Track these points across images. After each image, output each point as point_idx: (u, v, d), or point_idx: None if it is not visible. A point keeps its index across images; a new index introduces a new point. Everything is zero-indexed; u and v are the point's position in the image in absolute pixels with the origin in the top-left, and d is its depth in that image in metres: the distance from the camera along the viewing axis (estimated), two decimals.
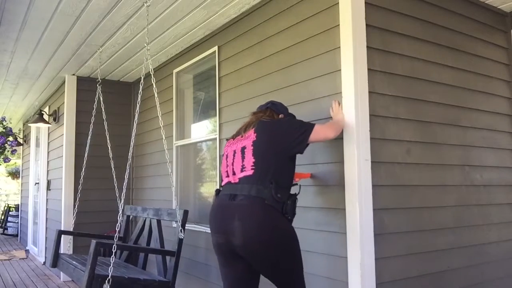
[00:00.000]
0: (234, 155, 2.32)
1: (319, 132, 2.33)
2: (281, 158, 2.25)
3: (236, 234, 2.11)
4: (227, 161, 2.36)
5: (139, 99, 3.36)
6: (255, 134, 2.27)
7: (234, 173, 2.28)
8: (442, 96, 3.00)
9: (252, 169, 2.20)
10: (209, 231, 3.82)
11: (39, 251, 6.81)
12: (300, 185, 2.45)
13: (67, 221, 5.06)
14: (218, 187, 2.47)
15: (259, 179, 2.16)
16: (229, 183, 2.30)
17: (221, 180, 2.43)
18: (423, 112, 2.88)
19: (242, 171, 2.23)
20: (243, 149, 2.28)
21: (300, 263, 2.22)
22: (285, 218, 2.19)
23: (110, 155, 4.60)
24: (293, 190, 2.33)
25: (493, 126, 3.32)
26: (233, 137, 2.44)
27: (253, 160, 2.20)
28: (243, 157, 2.26)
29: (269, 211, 2.12)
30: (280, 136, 2.26)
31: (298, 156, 2.36)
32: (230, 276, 2.29)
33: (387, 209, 2.60)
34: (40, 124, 5.92)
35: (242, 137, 2.35)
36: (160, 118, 3.39)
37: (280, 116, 2.50)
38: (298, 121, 2.42)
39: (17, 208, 10.07)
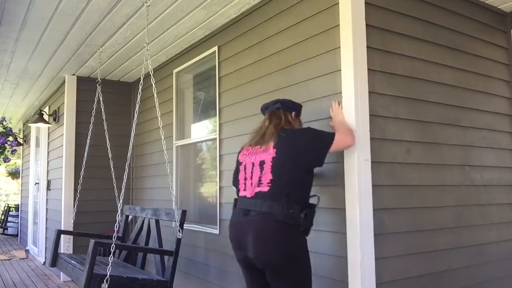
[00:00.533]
0: (252, 168, 2.33)
1: (341, 142, 2.36)
2: (299, 173, 2.27)
3: (249, 249, 2.21)
4: (245, 173, 2.37)
5: (138, 99, 3.35)
6: (275, 150, 2.26)
7: (251, 186, 2.30)
8: (442, 96, 3.00)
9: (268, 185, 2.22)
10: (209, 231, 3.85)
11: (39, 251, 6.81)
12: (319, 197, 2.41)
13: (67, 221, 5.06)
14: (236, 197, 2.46)
15: (273, 196, 2.20)
16: (245, 197, 2.33)
17: (238, 189, 2.44)
18: (423, 112, 2.88)
19: (258, 185, 2.26)
20: (261, 163, 2.28)
21: (309, 276, 2.26)
22: (297, 231, 2.21)
23: (110, 155, 4.60)
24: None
25: (493, 126, 3.32)
26: (251, 144, 2.42)
27: (271, 177, 2.23)
28: (261, 172, 2.27)
29: (280, 226, 2.17)
30: (300, 152, 2.26)
31: None
32: (252, 284, 2.39)
33: (387, 209, 2.59)
34: (40, 124, 5.92)
35: (260, 148, 2.33)
36: (159, 118, 3.38)
37: (293, 114, 2.47)
38: (316, 134, 2.37)
39: (17, 208, 10.07)
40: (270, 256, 2.17)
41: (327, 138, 2.32)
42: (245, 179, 2.36)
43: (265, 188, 2.23)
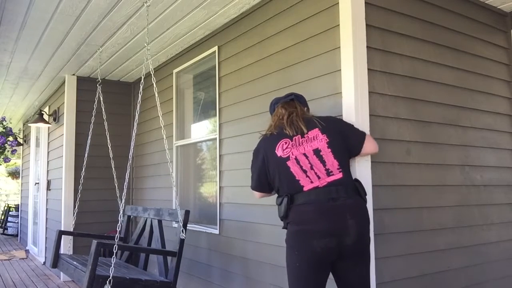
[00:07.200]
0: (308, 159, 2.19)
1: (371, 144, 2.35)
2: (348, 159, 2.30)
3: (350, 233, 2.09)
4: (300, 166, 2.19)
5: (139, 99, 3.35)
6: (324, 135, 2.21)
7: (319, 177, 2.16)
8: (442, 96, 3.00)
9: (340, 172, 2.17)
10: (209, 231, 3.84)
11: (39, 251, 6.81)
12: None
13: (67, 221, 5.06)
14: (286, 194, 2.20)
15: (348, 179, 2.21)
16: (316, 187, 2.16)
17: (294, 186, 2.19)
18: (423, 112, 2.88)
19: (329, 175, 2.16)
20: (317, 151, 2.18)
21: None
22: None
23: (110, 155, 4.60)
24: None
25: (493, 126, 3.32)
26: (289, 136, 2.24)
27: (337, 162, 2.18)
28: (322, 161, 2.18)
29: (366, 208, 2.22)
30: (346, 137, 2.28)
31: None
32: (313, 285, 2.18)
33: (387, 209, 2.60)
34: (40, 124, 5.92)
35: (303, 138, 2.23)
36: (160, 118, 3.38)
37: (305, 109, 2.42)
38: (352, 124, 2.41)
39: (17, 208, 10.07)
40: (367, 238, 2.19)
41: (360, 132, 2.36)
42: (305, 171, 2.18)
43: (339, 175, 2.16)
